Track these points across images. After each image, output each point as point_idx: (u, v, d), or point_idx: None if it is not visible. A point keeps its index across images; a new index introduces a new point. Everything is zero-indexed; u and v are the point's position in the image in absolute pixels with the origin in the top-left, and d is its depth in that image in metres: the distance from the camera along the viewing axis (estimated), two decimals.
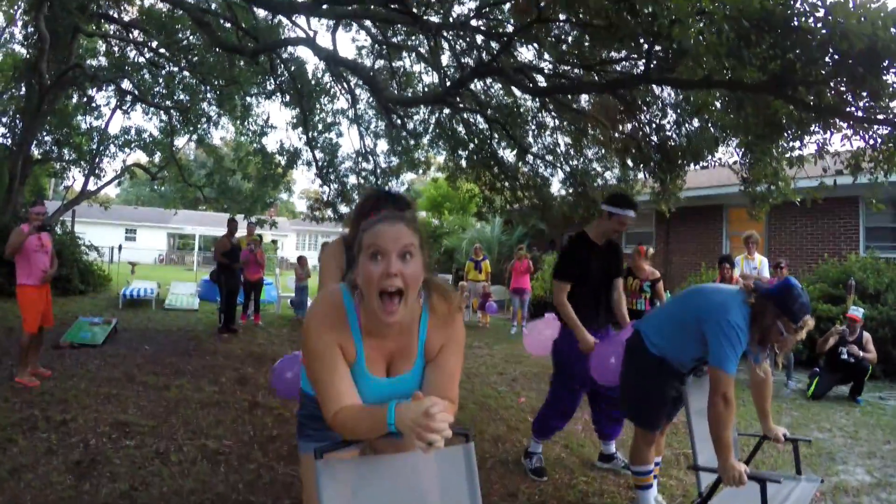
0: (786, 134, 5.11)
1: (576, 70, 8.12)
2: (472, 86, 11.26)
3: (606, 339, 4.25)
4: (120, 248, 22.75)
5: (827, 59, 3.79)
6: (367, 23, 12.32)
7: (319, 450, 1.80)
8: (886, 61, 3.41)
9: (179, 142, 19.68)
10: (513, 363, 8.97)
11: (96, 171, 17.90)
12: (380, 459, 2.03)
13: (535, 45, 8.46)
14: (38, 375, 6.31)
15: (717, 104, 6.08)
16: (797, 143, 5.17)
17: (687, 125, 7.69)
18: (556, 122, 11.28)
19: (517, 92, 11.52)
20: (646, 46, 4.78)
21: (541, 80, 9.07)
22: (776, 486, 3.23)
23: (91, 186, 18.12)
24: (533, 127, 11.53)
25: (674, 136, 7.93)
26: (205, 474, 4.03)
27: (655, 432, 3.67)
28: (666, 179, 7.72)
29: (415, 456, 1.94)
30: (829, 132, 4.43)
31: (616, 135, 9.10)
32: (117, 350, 8.11)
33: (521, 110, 11.43)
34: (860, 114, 3.91)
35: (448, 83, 10.13)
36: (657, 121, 8.28)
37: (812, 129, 4.68)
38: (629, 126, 8.85)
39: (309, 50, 10.38)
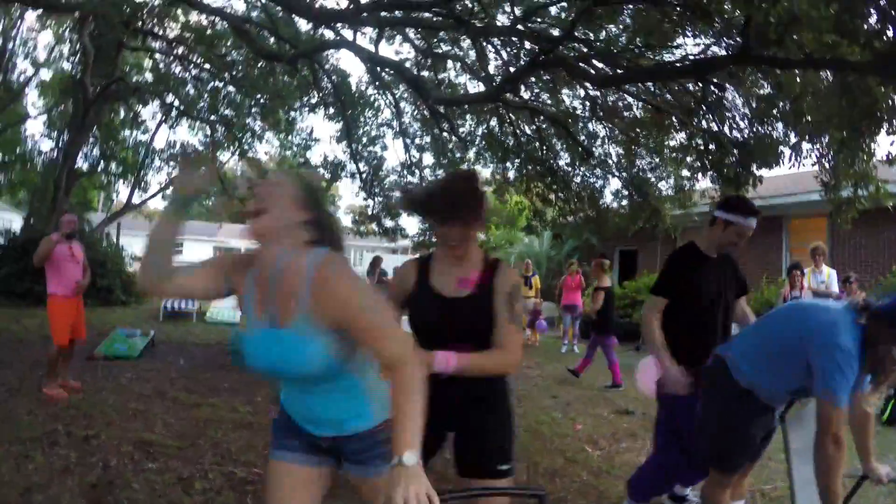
0: (885, 127, 4.52)
1: (642, 60, 7.55)
2: (520, 93, 10.88)
3: None
4: None
5: None
6: (411, 33, 12.06)
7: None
8: None
9: (223, 156, 19.74)
10: (566, 385, 8.41)
11: (141, 184, 18.04)
12: None
13: (592, 34, 7.86)
14: (68, 388, 6.05)
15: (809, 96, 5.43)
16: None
17: (764, 124, 7.02)
18: (608, 131, 10.81)
19: (566, 101, 11.11)
20: (741, 21, 4.19)
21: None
22: None
23: (136, 199, 18.25)
24: (583, 137, 11.05)
25: (752, 133, 7.29)
26: None
27: (733, 474, 3.12)
28: (743, 182, 7.04)
29: None
30: None
31: (687, 133, 8.38)
32: (152, 364, 7.85)
33: (570, 120, 10.99)
34: None
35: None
36: (734, 116, 7.65)
37: None
38: (703, 123, 8.17)
39: (352, 62, 10.12)
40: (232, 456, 4.51)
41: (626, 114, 9.92)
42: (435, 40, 11.95)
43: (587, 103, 10.57)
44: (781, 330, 2.94)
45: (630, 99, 9.82)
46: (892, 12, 3.18)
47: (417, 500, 1.34)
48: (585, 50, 8.14)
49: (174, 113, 16.92)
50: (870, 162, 5.70)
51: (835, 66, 4.00)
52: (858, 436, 3.04)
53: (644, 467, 3.75)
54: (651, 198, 9.55)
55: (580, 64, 7.51)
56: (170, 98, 16.42)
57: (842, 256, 12.38)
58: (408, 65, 13.17)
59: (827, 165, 6.41)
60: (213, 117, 16.73)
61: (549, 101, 11.25)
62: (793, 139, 6.29)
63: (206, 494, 3.76)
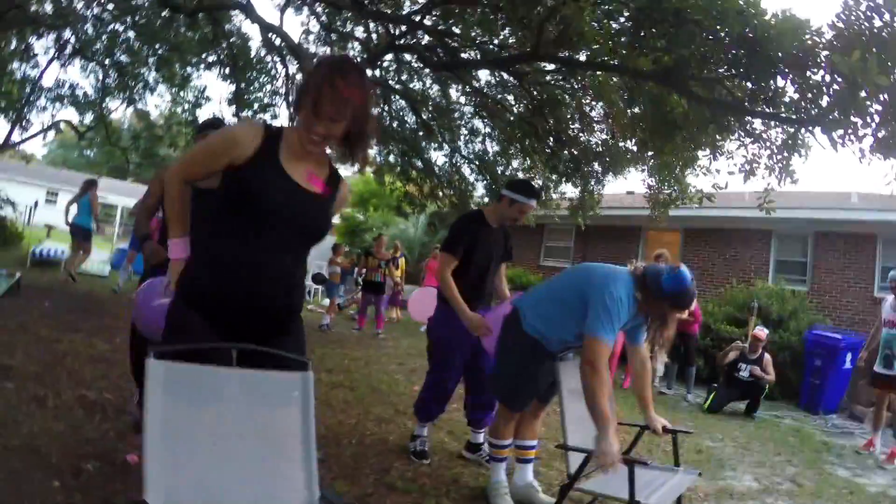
0: (683, 133, 5.26)
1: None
2: (411, 84, 11.45)
3: (489, 313, 4.11)
4: (35, 204, 21.96)
5: (710, 49, 4.01)
6: (318, 8, 12.25)
7: (158, 350, 1.85)
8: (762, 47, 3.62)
9: (113, 104, 19.02)
10: (416, 356, 8.93)
11: (23, 122, 17.17)
12: (219, 372, 1.98)
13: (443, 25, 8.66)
14: None
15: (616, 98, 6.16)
16: (692, 144, 5.42)
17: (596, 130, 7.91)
18: (489, 129, 11.52)
19: (453, 95, 11.74)
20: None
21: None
22: (652, 474, 3.28)
23: (15, 137, 17.41)
24: (465, 132, 11.75)
25: (585, 139, 8.22)
26: (78, 420, 4.00)
27: (517, 411, 3.70)
28: (583, 186, 7.93)
29: (254, 375, 2.03)
30: (722, 133, 4.69)
31: (555, 140, 9.18)
32: (16, 302, 7.90)
33: (457, 115, 11.64)
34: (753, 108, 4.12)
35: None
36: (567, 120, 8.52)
37: (707, 129, 4.90)
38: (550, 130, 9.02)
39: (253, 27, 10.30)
40: (86, 383, 4.85)
41: (506, 115, 10.69)
42: (338, 20, 12.22)
43: (474, 100, 11.29)
44: (567, 284, 3.52)
45: (511, 100, 10.61)
46: (673, 32, 3.90)
47: None
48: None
49: (68, 50, 16.18)
50: (678, 165, 6.57)
51: (620, 70, 4.75)
52: (637, 388, 3.67)
53: (423, 389, 4.44)
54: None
55: (427, 50, 8.22)
56: (67, 34, 15.71)
57: (689, 268, 13.64)
58: (311, 39, 13.40)
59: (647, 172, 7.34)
60: (107, 61, 16.14)
61: (439, 92, 11.85)
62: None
63: (58, 410, 4.13)
